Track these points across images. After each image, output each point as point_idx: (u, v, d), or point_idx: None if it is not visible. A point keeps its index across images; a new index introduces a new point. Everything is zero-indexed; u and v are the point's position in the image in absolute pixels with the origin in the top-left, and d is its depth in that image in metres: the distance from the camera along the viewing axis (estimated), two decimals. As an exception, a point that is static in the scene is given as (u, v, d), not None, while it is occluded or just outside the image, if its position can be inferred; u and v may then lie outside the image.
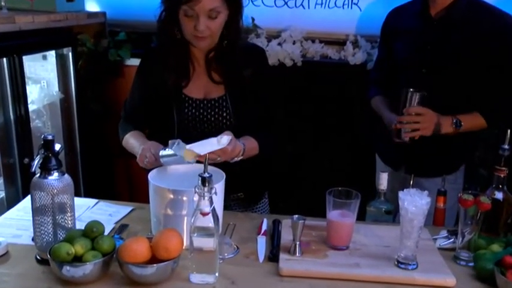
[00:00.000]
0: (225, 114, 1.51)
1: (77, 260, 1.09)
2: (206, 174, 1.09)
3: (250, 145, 1.45)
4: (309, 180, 2.45)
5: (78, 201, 1.47)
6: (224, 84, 1.52)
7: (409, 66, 1.76)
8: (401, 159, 1.82)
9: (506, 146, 1.31)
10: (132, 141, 1.53)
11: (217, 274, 1.13)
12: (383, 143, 1.88)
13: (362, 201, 1.29)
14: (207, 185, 1.09)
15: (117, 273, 1.12)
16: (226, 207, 1.59)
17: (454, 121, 1.66)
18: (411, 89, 1.64)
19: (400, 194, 1.20)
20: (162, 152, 1.34)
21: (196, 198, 1.10)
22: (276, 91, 1.61)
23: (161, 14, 1.45)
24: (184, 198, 1.23)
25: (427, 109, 1.64)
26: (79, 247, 1.09)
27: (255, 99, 1.53)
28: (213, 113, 1.51)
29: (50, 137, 1.15)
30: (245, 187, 1.59)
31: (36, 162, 1.15)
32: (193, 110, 1.51)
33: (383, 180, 1.49)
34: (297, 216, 1.23)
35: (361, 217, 1.47)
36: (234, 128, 1.44)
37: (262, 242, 1.31)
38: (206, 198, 1.09)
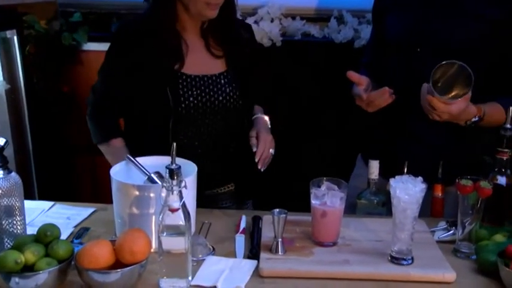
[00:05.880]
0: (228, 91, 1.53)
1: (28, 269, 1.06)
2: (174, 166, 1.08)
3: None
4: (290, 173, 2.44)
5: (31, 204, 1.45)
6: (225, 58, 1.55)
7: (402, 44, 1.61)
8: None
9: (508, 126, 1.30)
10: (110, 159, 1.56)
11: (190, 278, 1.13)
12: (377, 141, 1.72)
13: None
14: (175, 177, 1.08)
15: (76, 282, 1.11)
16: (215, 203, 1.60)
17: (474, 120, 1.44)
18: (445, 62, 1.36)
19: (392, 181, 1.21)
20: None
21: (164, 193, 1.09)
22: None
23: None
24: (152, 194, 1.23)
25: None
26: (30, 254, 1.06)
27: (257, 75, 1.60)
28: (215, 89, 1.51)
29: (-9, 130, 1.13)
30: (237, 177, 1.61)
31: (-25, 159, 1.13)
32: (194, 89, 1.49)
33: (374, 169, 1.49)
34: (277, 210, 1.22)
35: (352, 211, 1.48)
36: (241, 108, 1.52)
37: (241, 241, 1.32)
38: (175, 192, 1.08)
